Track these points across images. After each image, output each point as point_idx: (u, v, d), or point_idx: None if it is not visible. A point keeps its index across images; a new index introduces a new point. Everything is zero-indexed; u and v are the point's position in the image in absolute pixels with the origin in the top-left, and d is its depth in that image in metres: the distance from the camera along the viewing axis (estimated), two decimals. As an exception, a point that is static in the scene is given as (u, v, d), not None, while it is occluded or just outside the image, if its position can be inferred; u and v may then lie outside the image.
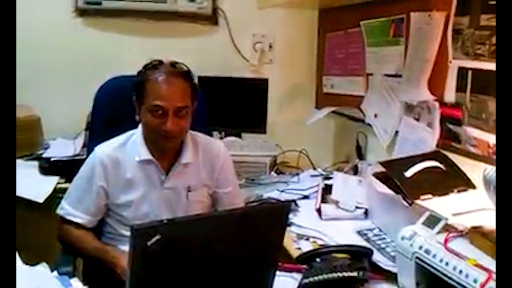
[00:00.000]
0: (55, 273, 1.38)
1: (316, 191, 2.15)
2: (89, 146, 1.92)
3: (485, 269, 1.12)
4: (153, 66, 1.66)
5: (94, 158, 1.72)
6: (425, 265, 1.26)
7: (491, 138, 1.68)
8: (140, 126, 1.72)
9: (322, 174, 2.41)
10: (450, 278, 1.18)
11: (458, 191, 1.61)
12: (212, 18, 2.91)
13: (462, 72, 1.81)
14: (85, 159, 1.80)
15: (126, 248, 1.28)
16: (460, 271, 1.16)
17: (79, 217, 1.72)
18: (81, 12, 2.74)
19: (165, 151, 1.72)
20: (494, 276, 1.10)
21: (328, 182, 2.16)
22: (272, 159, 2.65)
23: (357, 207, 1.95)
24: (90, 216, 1.73)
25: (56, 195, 2.10)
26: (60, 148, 2.46)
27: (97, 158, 1.71)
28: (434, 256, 1.24)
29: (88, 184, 1.72)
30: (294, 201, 2.12)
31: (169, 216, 1.62)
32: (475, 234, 1.25)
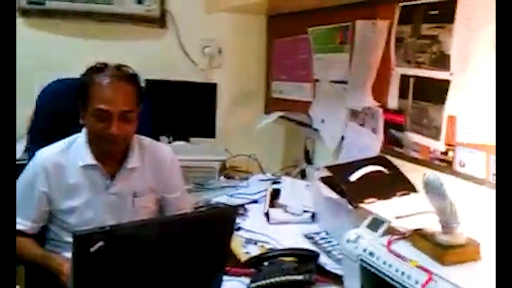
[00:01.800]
0: (-6, 282, 1.33)
1: (265, 196, 2.16)
2: (30, 150, 1.86)
3: (426, 270, 1.16)
4: (98, 69, 1.62)
5: (36, 163, 1.67)
6: (369, 267, 1.29)
7: (431, 143, 1.74)
8: (84, 130, 1.68)
9: (270, 179, 2.43)
10: (393, 279, 1.21)
11: (401, 195, 1.65)
12: (160, 21, 2.88)
13: (404, 79, 1.87)
14: (26, 164, 1.74)
15: (70, 255, 1.24)
16: (403, 273, 1.19)
17: (20, 224, 1.66)
18: (23, 12, 2.65)
19: (110, 155, 1.68)
20: (433, 277, 1.13)
21: (277, 186, 2.18)
22: (221, 163, 2.64)
23: (304, 211, 1.98)
24: (31, 223, 1.67)
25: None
26: (0, 152, 2.37)
27: (38, 163, 1.66)
28: (377, 258, 1.27)
29: (29, 190, 1.66)
30: (243, 205, 2.12)
31: (114, 222, 1.59)
32: (416, 236, 1.29)
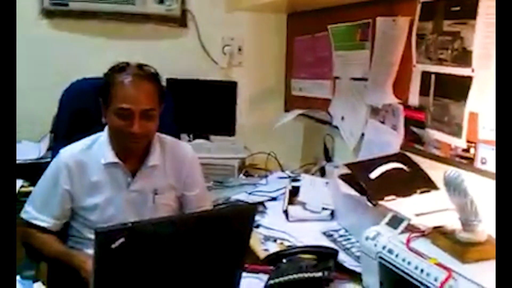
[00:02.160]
0: (18, 277, 1.36)
1: (284, 193, 2.16)
2: (54, 149, 1.89)
3: (445, 268, 1.15)
4: (120, 68, 1.64)
5: (59, 161, 1.70)
6: (388, 265, 1.29)
7: (452, 140, 1.73)
8: (106, 128, 1.71)
9: (290, 176, 2.43)
10: (412, 277, 1.21)
11: (421, 192, 1.64)
12: (181, 20, 2.90)
13: (425, 76, 1.85)
14: (50, 162, 1.77)
15: (92, 251, 1.27)
16: (422, 270, 1.19)
17: (44, 221, 1.69)
18: (48, 14, 2.70)
19: (132, 153, 1.71)
20: (453, 274, 1.13)
21: (296, 184, 2.18)
22: (241, 161, 2.66)
23: (323, 208, 1.98)
24: (55, 220, 1.70)
25: (20, 199, 2.05)
26: (25, 151, 2.42)
27: (61, 161, 1.69)
28: (397, 255, 1.27)
29: (53, 187, 1.69)
30: (262, 203, 2.13)
31: (135, 219, 1.61)
32: (436, 234, 1.29)
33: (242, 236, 1.30)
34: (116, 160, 1.69)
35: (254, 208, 1.40)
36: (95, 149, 1.72)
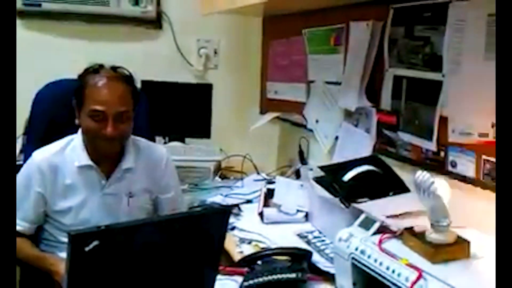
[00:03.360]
0: (-11, 282, 1.34)
1: (259, 195, 2.17)
2: (26, 151, 1.87)
3: (416, 268, 1.17)
4: (94, 70, 1.64)
5: (32, 164, 1.68)
6: (361, 265, 1.31)
7: (423, 143, 1.76)
8: (79, 131, 1.70)
9: (265, 179, 2.44)
10: (383, 277, 1.23)
11: (393, 194, 1.67)
12: (156, 22, 2.89)
13: (397, 80, 1.89)
14: (22, 165, 1.75)
15: (65, 255, 1.26)
16: (393, 271, 1.21)
17: (17, 225, 1.67)
18: (20, 14, 2.66)
19: (106, 156, 1.70)
20: (423, 274, 1.15)
21: (271, 186, 2.19)
22: (216, 164, 2.66)
23: (298, 211, 1.99)
24: (28, 224, 1.69)
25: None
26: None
27: (34, 164, 1.67)
28: (369, 256, 1.29)
29: (25, 191, 1.67)
30: (237, 205, 2.14)
31: (110, 222, 1.60)
32: (407, 235, 1.31)
33: (216, 238, 1.30)
34: (90, 162, 1.68)
35: (228, 210, 1.41)
36: (69, 151, 1.70)
